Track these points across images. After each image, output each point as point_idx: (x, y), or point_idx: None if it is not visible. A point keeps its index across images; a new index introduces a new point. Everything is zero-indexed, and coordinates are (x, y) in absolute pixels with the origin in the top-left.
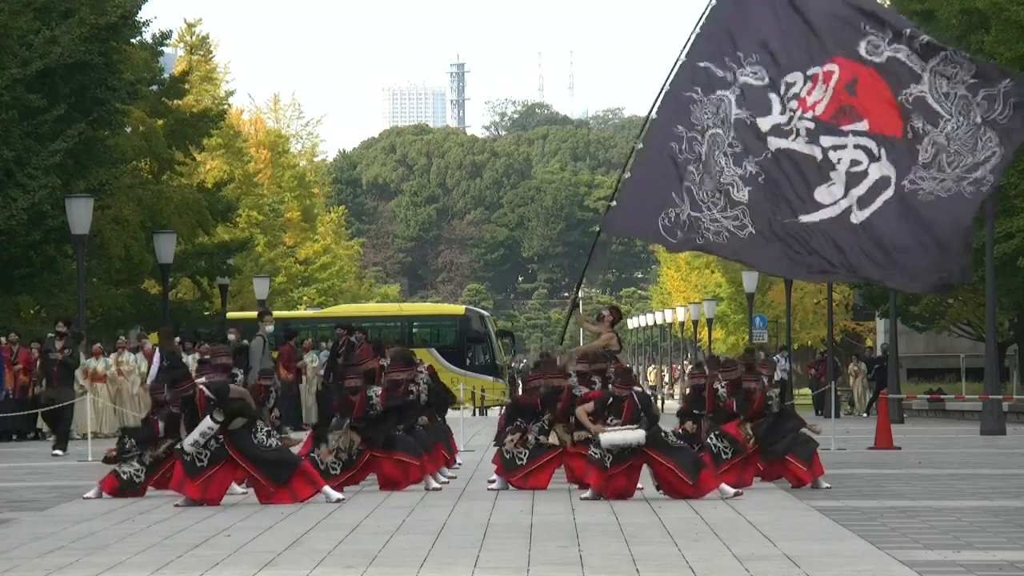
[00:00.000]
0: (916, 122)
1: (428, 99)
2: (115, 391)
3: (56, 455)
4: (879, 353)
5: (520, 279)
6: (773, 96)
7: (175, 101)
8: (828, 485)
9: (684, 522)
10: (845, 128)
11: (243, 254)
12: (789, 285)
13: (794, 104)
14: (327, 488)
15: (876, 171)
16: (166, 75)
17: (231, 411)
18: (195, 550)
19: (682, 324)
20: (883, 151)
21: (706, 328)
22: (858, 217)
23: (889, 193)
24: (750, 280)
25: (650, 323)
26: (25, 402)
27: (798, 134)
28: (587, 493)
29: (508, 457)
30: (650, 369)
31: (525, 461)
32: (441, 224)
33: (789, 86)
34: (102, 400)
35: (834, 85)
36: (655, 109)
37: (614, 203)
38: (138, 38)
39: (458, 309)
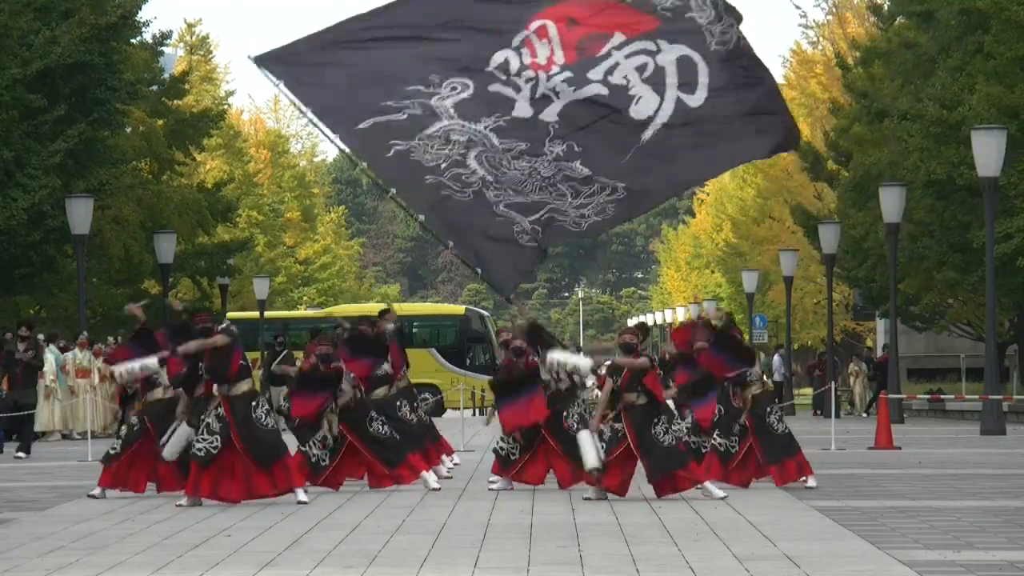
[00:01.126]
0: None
1: None
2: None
3: (19, 457)
4: (880, 353)
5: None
6: (499, 87)
7: (175, 101)
8: (814, 484)
9: (684, 522)
10: (601, 53)
11: (243, 254)
12: (789, 285)
13: (529, 74)
14: (299, 490)
15: (669, 57)
16: (166, 75)
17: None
18: (195, 550)
19: None
20: (660, 42)
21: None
22: (695, 100)
23: (702, 64)
24: (750, 280)
25: (650, 323)
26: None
27: (558, 95)
28: (590, 492)
29: (503, 454)
30: None
31: (517, 454)
32: None
33: (504, 68)
34: (102, 400)
35: (556, 34)
36: (389, 187)
37: (479, 271)
38: (138, 38)
39: (458, 309)
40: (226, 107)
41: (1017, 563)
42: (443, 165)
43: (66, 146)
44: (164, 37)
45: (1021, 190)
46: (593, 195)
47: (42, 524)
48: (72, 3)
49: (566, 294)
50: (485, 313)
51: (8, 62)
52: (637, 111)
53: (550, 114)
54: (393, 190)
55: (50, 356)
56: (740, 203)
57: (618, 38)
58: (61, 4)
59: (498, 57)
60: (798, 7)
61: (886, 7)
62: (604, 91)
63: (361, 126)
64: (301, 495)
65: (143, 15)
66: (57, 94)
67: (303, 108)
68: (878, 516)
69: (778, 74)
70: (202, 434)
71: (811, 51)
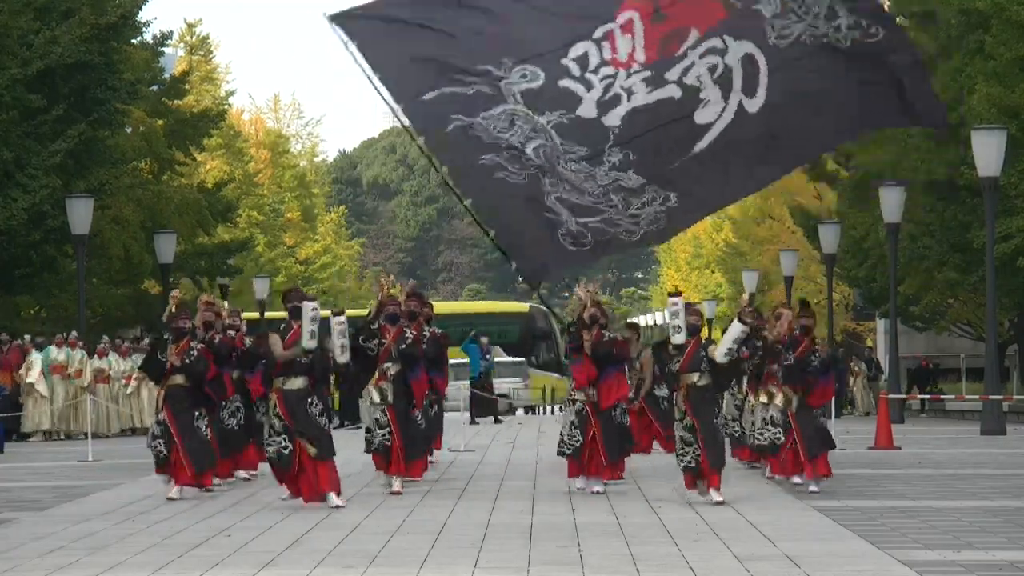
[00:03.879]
0: None
1: None
2: (115, 391)
3: None
4: (926, 358)
5: (520, 279)
6: (569, 83)
7: (175, 101)
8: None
9: (684, 522)
10: (679, 53)
11: (243, 254)
12: (789, 285)
13: (608, 71)
14: (332, 495)
15: (736, 56)
16: (166, 75)
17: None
18: (195, 550)
19: None
20: (726, 38)
21: (706, 328)
22: (754, 105)
23: (764, 64)
24: (750, 280)
25: (650, 323)
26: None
27: (632, 92)
28: (717, 496)
29: (571, 451)
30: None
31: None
32: (441, 224)
33: (582, 62)
34: (103, 400)
35: (641, 30)
36: (443, 164)
37: (513, 263)
38: (138, 38)
39: (522, 307)
40: (226, 107)
41: (1017, 563)
42: (502, 145)
43: (66, 146)
44: (164, 37)
45: (1021, 190)
46: (644, 206)
47: (42, 524)
48: (72, 3)
49: (566, 295)
50: (547, 309)
51: (8, 62)
52: (702, 115)
53: (614, 118)
54: (445, 168)
55: (37, 357)
56: (740, 203)
57: (693, 36)
58: (61, 4)
59: (578, 48)
60: None
61: (886, 7)
62: (678, 93)
63: (426, 97)
64: (334, 500)
65: (143, 15)
66: (57, 94)
67: (370, 73)
68: (878, 516)
69: None
70: (269, 435)
71: None
